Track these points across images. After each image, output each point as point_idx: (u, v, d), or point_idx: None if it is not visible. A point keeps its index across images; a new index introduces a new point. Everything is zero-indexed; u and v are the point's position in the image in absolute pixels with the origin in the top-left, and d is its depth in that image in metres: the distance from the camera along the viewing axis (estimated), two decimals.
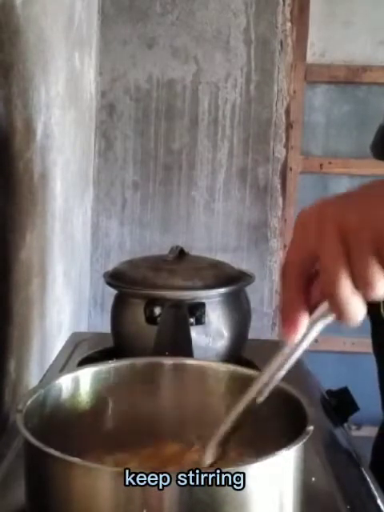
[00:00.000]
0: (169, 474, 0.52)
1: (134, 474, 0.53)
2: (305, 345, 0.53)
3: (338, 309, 0.49)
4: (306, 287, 0.52)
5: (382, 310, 1.04)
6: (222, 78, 2.44)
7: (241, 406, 0.58)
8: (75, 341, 1.27)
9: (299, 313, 0.51)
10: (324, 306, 0.51)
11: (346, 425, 0.98)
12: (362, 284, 0.48)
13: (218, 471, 0.52)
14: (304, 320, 0.51)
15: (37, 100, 1.27)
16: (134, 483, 0.51)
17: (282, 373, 0.55)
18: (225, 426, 0.59)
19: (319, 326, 0.52)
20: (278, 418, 0.66)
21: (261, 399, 0.56)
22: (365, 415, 1.14)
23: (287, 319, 0.52)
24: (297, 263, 0.51)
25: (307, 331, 0.52)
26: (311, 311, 0.52)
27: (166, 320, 0.99)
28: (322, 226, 0.50)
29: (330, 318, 0.51)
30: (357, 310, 0.49)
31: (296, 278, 0.52)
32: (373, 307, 1.00)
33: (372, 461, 1.07)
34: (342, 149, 2.49)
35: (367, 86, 2.47)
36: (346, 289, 0.48)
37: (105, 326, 1.19)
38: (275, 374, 0.55)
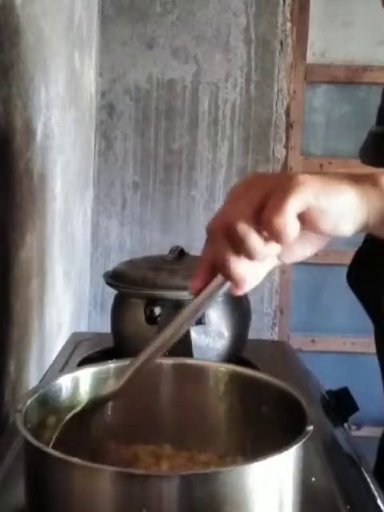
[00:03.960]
0: (169, 474, 0.52)
1: (133, 474, 0.53)
2: (205, 303, 0.60)
3: (224, 271, 0.57)
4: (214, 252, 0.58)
5: None
6: (222, 78, 2.44)
7: (143, 356, 0.62)
8: (75, 341, 1.27)
9: (205, 274, 0.59)
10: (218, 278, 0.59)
11: (345, 425, 0.98)
12: (230, 230, 0.56)
13: (218, 471, 0.52)
14: (205, 280, 0.59)
15: (37, 100, 1.27)
16: (133, 483, 0.51)
17: (185, 327, 0.61)
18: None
19: (215, 289, 0.59)
20: (278, 418, 0.66)
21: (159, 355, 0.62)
22: (365, 415, 1.15)
23: (195, 277, 0.60)
24: (217, 228, 0.57)
25: (208, 292, 0.59)
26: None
27: (166, 320, 0.99)
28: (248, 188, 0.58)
29: (225, 284, 0.59)
30: (236, 264, 0.56)
31: (208, 243, 0.59)
32: (376, 310, 1.00)
33: (377, 462, 1.07)
34: (341, 149, 2.49)
35: (367, 85, 2.47)
36: (227, 260, 0.56)
37: (105, 326, 1.19)
38: (180, 327, 0.61)
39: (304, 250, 0.60)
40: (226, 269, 0.57)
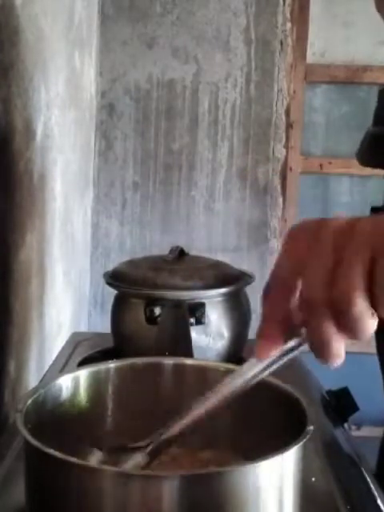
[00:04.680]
0: (169, 474, 0.52)
1: (133, 474, 0.53)
2: (267, 369, 0.51)
3: (314, 339, 0.45)
4: (288, 307, 0.47)
5: None
6: (222, 78, 2.44)
7: (190, 418, 0.56)
8: (75, 341, 1.27)
9: (275, 338, 0.49)
10: (300, 337, 0.48)
11: (345, 425, 0.98)
12: (339, 303, 0.43)
13: (218, 471, 0.52)
14: (278, 345, 0.49)
15: (37, 100, 1.27)
16: (133, 483, 0.51)
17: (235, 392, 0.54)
18: (176, 428, 0.57)
19: (289, 355, 0.50)
20: (278, 418, 0.66)
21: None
22: (365, 415, 1.14)
23: (261, 341, 0.49)
24: (282, 278, 0.47)
25: (276, 358, 0.50)
26: (289, 334, 0.49)
27: (166, 320, 0.99)
28: (318, 233, 0.45)
29: (303, 347, 0.49)
30: (335, 343, 0.45)
31: (279, 297, 0.47)
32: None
33: (378, 462, 1.06)
34: (341, 149, 2.49)
35: (367, 86, 2.47)
36: (325, 314, 0.44)
37: (105, 326, 1.19)
38: (231, 392, 0.54)
39: None
40: (327, 346, 0.45)
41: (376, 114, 1.04)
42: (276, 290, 0.47)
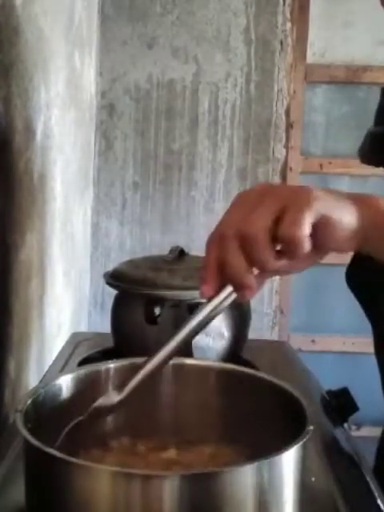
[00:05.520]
0: (168, 474, 0.52)
1: (133, 474, 0.53)
2: (212, 305, 0.60)
3: (231, 273, 0.57)
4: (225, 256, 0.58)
5: None
6: (222, 78, 2.44)
7: (148, 366, 0.62)
8: (75, 341, 1.27)
9: (215, 279, 0.59)
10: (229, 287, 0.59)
11: (345, 425, 0.98)
12: (248, 236, 0.56)
13: (218, 471, 0.52)
14: (215, 286, 0.59)
15: (37, 100, 1.27)
16: (133, 483, 0.51)
17: (192, 336, 0.62)
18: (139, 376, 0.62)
19: (225, 297, 0.59)
20: (278, 418, 0.66)
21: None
22: (365, 415, 1.15)
23: (206, 283, 0.59)
24: (230, 234, 0.57)
25: (218, 301, 0.60)
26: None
27: (166, 320, 0.99)
28: (247, 193, 0.59)
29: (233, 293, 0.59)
30: (246, 274, 0.57)
31: (216, 246, 0.58)
32: (374, 311, 1.00)
33: (376, 462, 1.06)
34: (341, 149, 2.49)
35: (367, 85, 2.47)
36: (239, 269, 0.57)
37: (105, 326, 1.19)
38: (187, 336, 0.61)
39: (300, 264, 0.60)
40: (239, 279, 0.57)
41: (378, 112, 1.04)
42: (214, 241, 0.58)
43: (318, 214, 0.56)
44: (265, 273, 0.59)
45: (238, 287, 0.58)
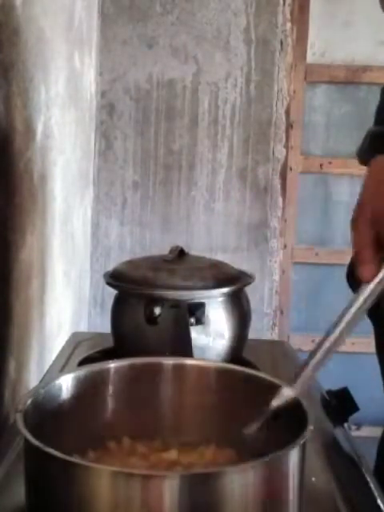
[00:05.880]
0: (168, 474, 0.52)
1: (133, 474, 0.53)
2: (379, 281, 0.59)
3: None
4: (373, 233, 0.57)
5: None
6: (222, 77, 2.44)
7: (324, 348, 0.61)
8: (75, 341, 1.27)
9: (375, 260, 0.57)
10: None
11: (346, 425, 0.98)
12: None
13: (218, 471, 0.52)
14: (377, 266, 0.58)
15: (37, 100, 1.27)
16: (133, 483, 0.51)
17: (360, 316, 0.61)
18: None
19: None
20: (278, 418, 0.66)
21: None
22: (365, 415, 1.14)
23: (366, 263, 0.57)
24: (365, 206, 0.56)
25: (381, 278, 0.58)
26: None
27: (166, 320, 0.99)
28: None
29: None
30: None
31: (366, 223, 0.57)
32: (374, 311, 1.00)
33: (377, 462, 1.06)
34: (341, 149, 2.49)
35: (367, 85, 2.47)
36: None
37: (105, 326, 1.19)
38: (356, 315, 0.61)
39: None
40: None
41: (377, 112, 1.04)
42: (362, 217, 0.57)
43: None
44: None
45: None
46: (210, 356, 1.02)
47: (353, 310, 0.61)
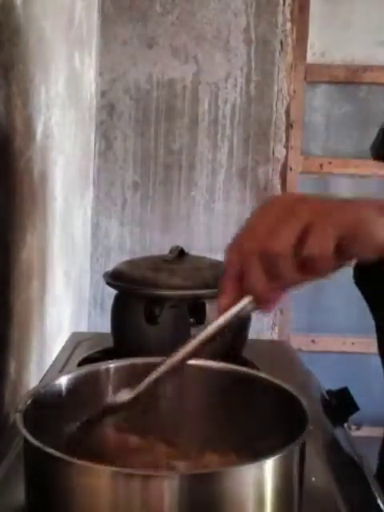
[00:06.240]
0: (168, 474, 0.52)
1: (133, 474, 0.53)
2: (230, 315, 0.61)
3: (252, 288, 0.58)
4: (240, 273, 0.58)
5: None
6: (222, 78, 2.44)
7: (161, 368, 0.63)
8: (75, 341, 1.27)
9: (233, 291, 0.59)
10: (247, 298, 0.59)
11: (345, 425, 0.98)
12: (271, 254, 0.56)
13: (218, 471, 0.52)
14: (233, 298, 0.59)
15: (37, 100, 1.27)
16: (133, 483, 0.51)
17: (204, 344, 0.62)
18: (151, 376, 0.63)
19: (243, 308, 0.60)
20: (278, 418, 0.66)
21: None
22: (365, 415, 1.14)
23: (224, 294, 0.60)
24: (252, 250, 0.57)
25: (235, 311, 0.60)
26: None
27: (166, 320, 0.99)
28: (266, 208, 0.59)
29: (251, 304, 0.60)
30: (267, 290, 0.58)
31: (236, 259, 0.59)
32: (382, 309, 1.00)
33: (379, 465, 1.06)
34: (341, 149, 2.49)
35: (367, 85, 2.47)
36: (260, 285, 0.57)
37: (105, 326, 1.19)
38: (199, 344, 0.62)
39: (323, 273, 0.59)
40: (260, 293, 0.58)
41: None
42: (234, 252, 0.59)
43: (343, 230, 0.55)
44: (286, 287, 0.59)
45: (259, 301, 0.58)
46: (210, 356, 1.02)
47: (199, 337, 0.62)
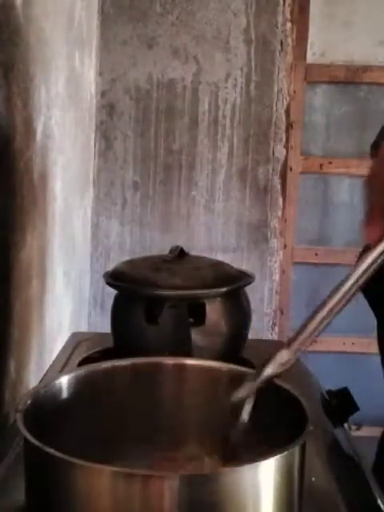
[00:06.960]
0: (169, 474, 0.52)
1: (133, 474, 0.53)
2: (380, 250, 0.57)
3: None
4: None
5: None
6: (222, 78, 2.44)
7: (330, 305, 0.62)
8: (75, 341, 1.27)
9: (381, 222, 0.55)
10: None
11: (346, 425, 0.98)
12: None
13: (218, 471, 0.52)
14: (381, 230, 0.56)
15: (37, 100, 1.27)
16: (133, 483, 0.51)
17: (363, 278, 0.58)
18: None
19: None
20: (278, 418, 0.66)
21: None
22: (365, 415, 1.14)
23: (371, 225, 0.56)
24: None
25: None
26: None
27: (166, 320, 0.99)
28: None
29: None
30: None
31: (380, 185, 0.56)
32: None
33: (376, 461, 1.07)
34: (341, 149, 2.49)
35: (367, 85, 2.47)
36: None
37: (105, 326, 1.19)
38: (361, 276, 0.58)
39: None
40: None
41: None
42: (378, 178, 0.56)
43: None
44: None
45: None
46: (210, 356, 1.02)
47: (351, 280, 0.59)
